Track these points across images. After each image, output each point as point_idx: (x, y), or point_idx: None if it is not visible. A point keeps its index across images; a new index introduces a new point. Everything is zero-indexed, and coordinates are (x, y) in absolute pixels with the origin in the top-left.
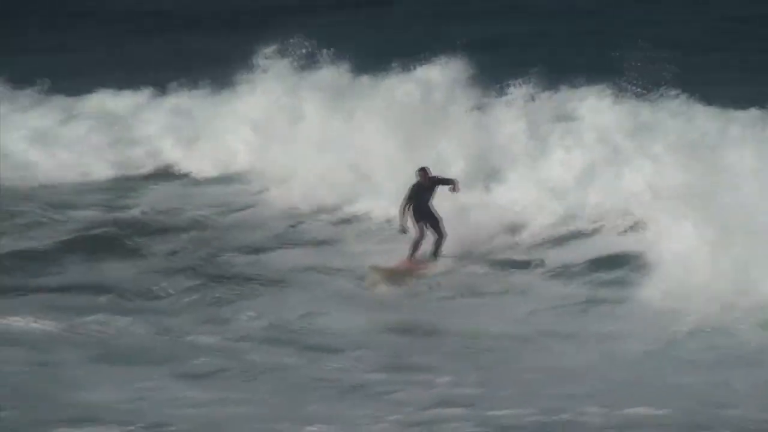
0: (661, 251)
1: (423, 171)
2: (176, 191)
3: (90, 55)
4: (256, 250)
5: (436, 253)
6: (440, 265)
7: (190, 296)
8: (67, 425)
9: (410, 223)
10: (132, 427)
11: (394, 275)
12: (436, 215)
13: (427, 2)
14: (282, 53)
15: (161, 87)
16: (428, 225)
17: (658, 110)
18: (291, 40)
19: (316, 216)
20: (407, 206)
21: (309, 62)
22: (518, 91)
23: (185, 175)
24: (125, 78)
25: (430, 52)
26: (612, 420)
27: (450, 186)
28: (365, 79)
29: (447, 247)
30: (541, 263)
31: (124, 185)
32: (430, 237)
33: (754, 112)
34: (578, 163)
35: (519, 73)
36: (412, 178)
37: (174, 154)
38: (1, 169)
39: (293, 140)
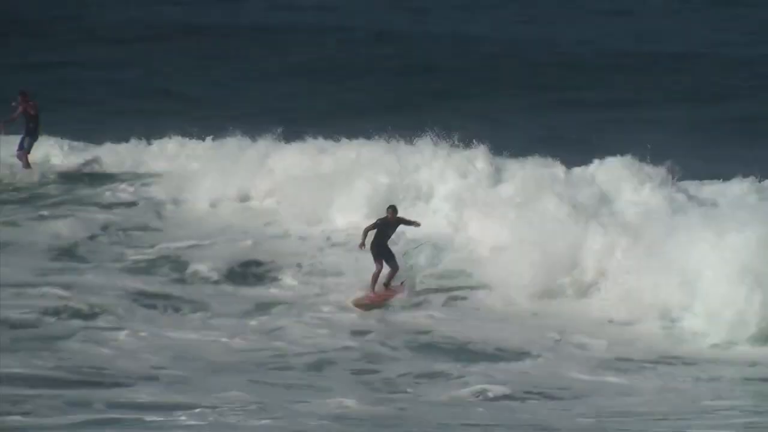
0: None
1: (392, 209)
2: None
3: None
4: None
5: (387, 283)
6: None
7: None
8: None
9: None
10: None
11: (369, 307)
12: (390, 252)
13: None
14: None
15: None
16: (384, 261)
17: None
18: None
19: None
20: (369, 230)
21: None
22: None
23: None
24: None
25: None
26: None
27: (413, 226)
28: None
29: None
30: None
31: None
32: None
33: None
34: None
35: None
36: None
37: None
38: None
39: None
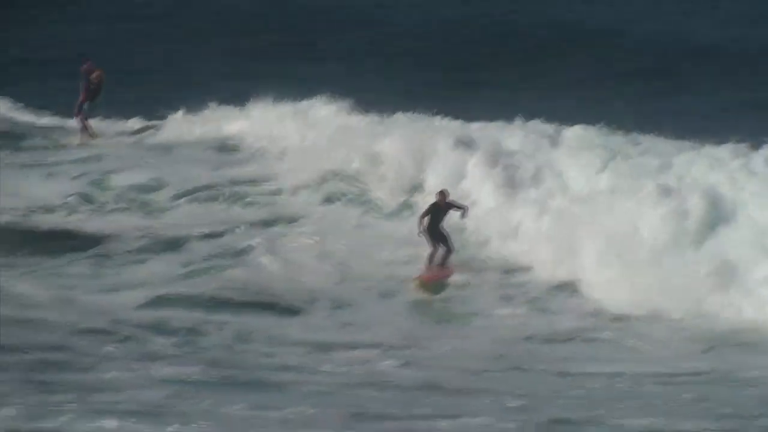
0: None
1: (442, 194)
2: None
3: None
4: None
5: (442, 263)
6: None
7: None
8: None
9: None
10: None
11: (427, 285)
12: (445, 233)
13: None
14: None
15: None
16: (439, 243)
17: None
18: None
19: None
20: (423, 217)
21: None
22: None
23: None
24: None
25: None
26: None
27: (461, 211)
28: None
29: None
30: None
31: None
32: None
33: None
34: None
35: None
36: None
37: None
38: None
39: None
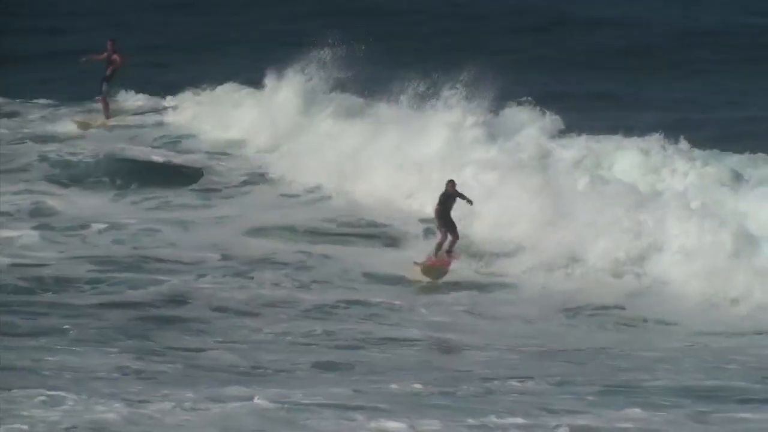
0: None
1: (451, 182)
2: None
3: None
4: None
5: (449, 251)
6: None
7: None
8: None
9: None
10: None
11: (430, 269)
12: (452, 222)
13: None
14: None
15: None
16: (448, 230)
17: None
18: None
19: None
20: (438, 207)
21: None
22: None
23: None
24: None
25: None
26: None
27: (467, 201)
28: None
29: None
30: None
31: None
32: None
33: None
34: None
35: None
36: None
37: None
38: None
39: None
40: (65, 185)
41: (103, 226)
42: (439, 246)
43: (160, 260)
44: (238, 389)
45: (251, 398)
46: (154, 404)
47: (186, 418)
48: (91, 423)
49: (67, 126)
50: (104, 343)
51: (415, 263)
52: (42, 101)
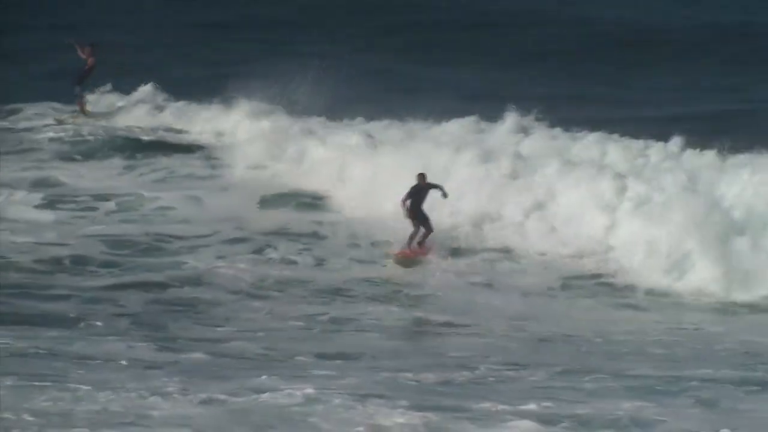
0: None
1: (422, 175)
2: None
3: None
4: None
5: (421, 243)
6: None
7: None
8: None
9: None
10: None
11: (404, 261)
12: (425, 215)
13: None
14: None
15: None
16: (420, 223)
17: None
18: None
19: None
20: (406, 200)
21: None
22: None
23: None
24: None
25: None
26: None
27: (441, 191)
28: None
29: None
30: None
31: None
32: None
33: None
34: None
35: None
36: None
37: None
38: None
39: None
40: (75, 161)
41: (114, 202)
42: (412, 238)
43: (174, 237)
44: (253, 380)
45: (266, 390)
46: (163, 396)
47: (199, 411)
48: (104, 413)
49: (48, 120)
50: (119, 332)
51: (393, 253)
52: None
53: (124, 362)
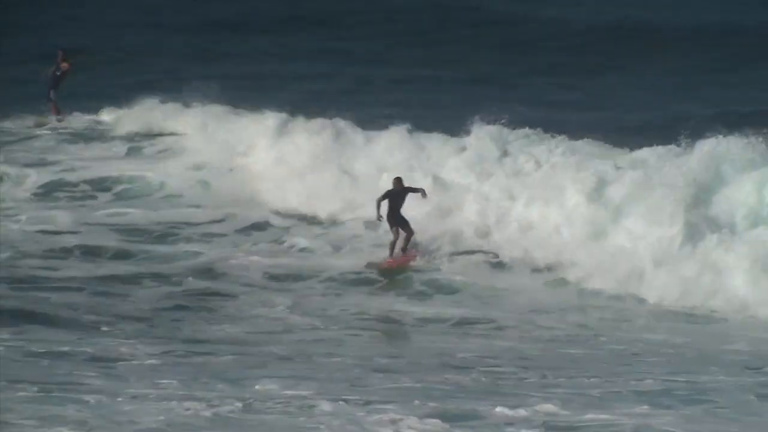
0: None
1: (397, 180)
2: None
3: None
4: None
5: (404, 249)
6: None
7: None
8: None
9: (386, 224)
10: None
11: (388, 271)
12: (404, 219)
13: None
14: None
15: None
16: (400, 228)
17: None
18: None
19: None
20: (380, 201)
21: None
22: None
23: None
24: None
25: None
26: None
27: (420, 193)
28: None
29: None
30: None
31: None
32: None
33: None
34: None
35: None
36: None
37: None
38: None
39: None
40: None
41: (121, 186)
42: (393, 245)
43: (184, 224)
44: (262, 381)
45: (273, 392)
46: (172, 401)
47: (206, 416)
48: (123, 415)
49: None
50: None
51: (370, 263)
52: None
53: (135, 362)
